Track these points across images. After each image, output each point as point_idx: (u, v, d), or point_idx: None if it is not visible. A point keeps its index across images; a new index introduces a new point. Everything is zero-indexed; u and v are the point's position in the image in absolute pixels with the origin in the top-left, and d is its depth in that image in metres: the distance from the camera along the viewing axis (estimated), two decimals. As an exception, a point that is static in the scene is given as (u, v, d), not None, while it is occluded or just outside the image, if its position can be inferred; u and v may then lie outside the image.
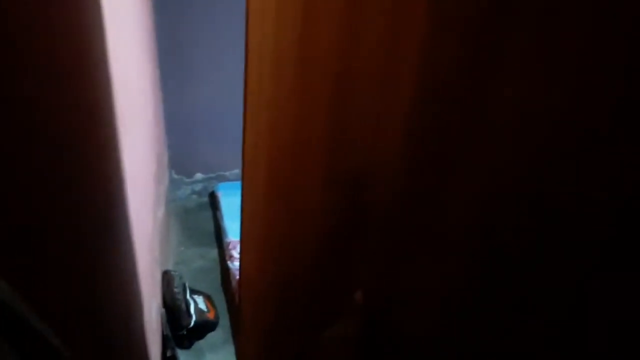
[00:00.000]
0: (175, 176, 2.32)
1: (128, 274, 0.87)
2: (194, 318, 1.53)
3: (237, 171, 2.37)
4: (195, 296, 1.66)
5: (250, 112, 0.73)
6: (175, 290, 1.53)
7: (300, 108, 0.51)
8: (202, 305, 1.63)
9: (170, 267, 1.79)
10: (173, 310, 1.49)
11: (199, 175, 2.37)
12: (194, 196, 2.40)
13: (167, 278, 1.57)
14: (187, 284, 1.66)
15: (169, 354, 1.38)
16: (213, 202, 2.34)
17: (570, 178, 0.25)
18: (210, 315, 1.63)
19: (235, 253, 1.91)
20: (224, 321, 1.72)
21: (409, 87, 0.32)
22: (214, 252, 2.09)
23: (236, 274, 1.80)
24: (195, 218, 2.27)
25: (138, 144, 1.08)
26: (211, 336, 1.62)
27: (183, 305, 1.52)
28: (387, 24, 0.34)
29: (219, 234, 2.15)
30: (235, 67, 1.99)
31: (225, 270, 1.94)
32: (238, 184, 2.40)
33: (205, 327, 1.59)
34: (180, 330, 1.49)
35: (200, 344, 1.60)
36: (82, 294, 0.59)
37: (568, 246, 0.26)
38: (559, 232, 0.26)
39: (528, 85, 0.25)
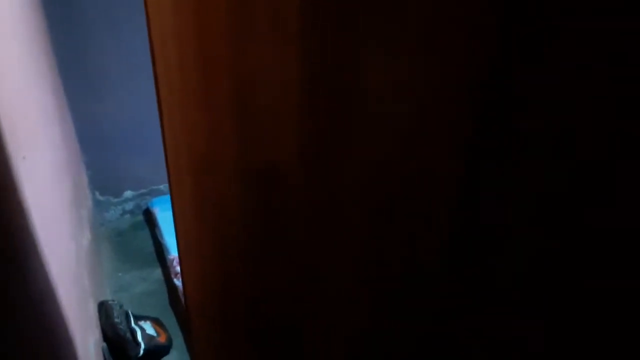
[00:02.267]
0: (101, 197, 2.12)
1: (47, 311, 0.77)
2: (142, 346, 1.43)
3: (171, 183, 2.24)
4: (142, 322, 1.54)
5: (167, 120, 0.68)
6: (116, 320, 1.41)
7: (209, 111, 0.49)
8: (150, 331, 1.52)
9: (107, 296, 1.64)
10: (117, 342, 1.38)
11: (128, 193, 2.20)
12: (127, 216, 2.22)
13: (104, 309, 1.44)
14: (130, 312, 1.54)
15: (118, 390, 1.27)
16: (149, 220, 2.19)
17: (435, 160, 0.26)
18: (162, 339, 1.53)
19: (181, 269, 1.81)
20: (179, 342, 1.63)
21: (295, 83, 0.32)
22: (157, 273, 1.96)
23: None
24: (131, 239, 2.10)
25: (40, 167, 0.96)
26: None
27: (128, 335, 1.40)
28: (267, 24, 0.34)
29: (160, 252, 2.01)
30: (148, 71, 1.86)
31: (172, 289, 1.83)
32: (174, 196, 2.26)
33: (157, 352, 1.49)
34: (129, 361, 1.38)
35: (154, 371, 1.50)
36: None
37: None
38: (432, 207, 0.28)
39: (385, 81, 0.27)
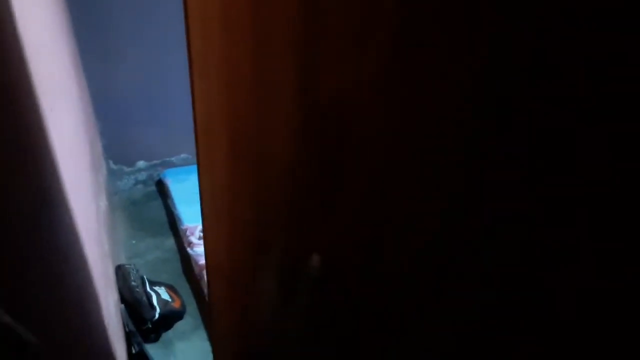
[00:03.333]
0: (114, 166, 2.12)
1: (77, 259, 0.78)
2: (157, 310, 1.44)
3: (185, 155, 2.23)
4: (157, 287, 1.56)
5: (198, 74, 0.62)
6: (133, 283, 1.42)
7: (261, 55, 0.46)
8: (165, 296, 1.54)
9: (123, 262, 1.66)
10: (133, 304, 1.39)
11: (141, 163, 2.20)
12: (139, 186, 2.23)
13: (121, 272, 1.45)
14: (145, 277, 1.55)
15: (135, 350, 1.29)
16: (161, 190, 2.19)
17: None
18: (176, 305, 1.55)
19: (194, 239, 1.82)
20: (192, 309, 1.65)
21: (386, 24, 0.30)
22: (169, 242, 1.98)
23: (198, 260, 1.72)
24: (144, 209, 2.12)
25: (65, 123, 0.96)
26: (180, 325, 1.55)
27: (144, 298, 1.42)
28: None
29: (172, 222, 2.03)
30: (165, 44, 1.83)
31: (185, 258, 1.85)
32: (186, 168, 2.27)
33: (171, 317, 1.51)
34: (145, 324, 1.40)
35: (169, 334, 1.52)
36: (31, 277, 0.52)
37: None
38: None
39: None
